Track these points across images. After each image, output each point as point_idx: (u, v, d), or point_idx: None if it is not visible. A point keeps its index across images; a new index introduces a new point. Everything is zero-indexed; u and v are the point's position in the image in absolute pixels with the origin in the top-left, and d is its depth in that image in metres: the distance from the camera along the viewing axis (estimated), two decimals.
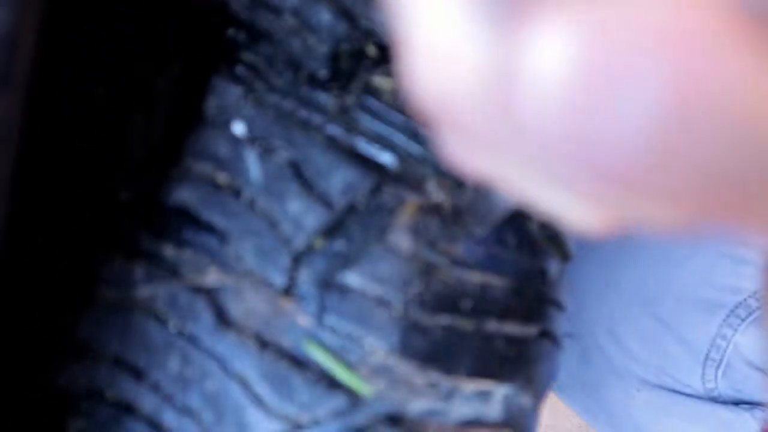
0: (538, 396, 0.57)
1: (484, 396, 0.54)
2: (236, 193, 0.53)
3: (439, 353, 0.52)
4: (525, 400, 0.56)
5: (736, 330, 0.94)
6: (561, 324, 0.59)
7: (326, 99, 0.54)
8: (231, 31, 0.54)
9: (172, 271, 0.53)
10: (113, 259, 0.54)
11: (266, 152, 0.53)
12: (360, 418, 0.52)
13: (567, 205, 0.26)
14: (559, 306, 0.58)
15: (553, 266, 0.58)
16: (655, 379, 0.99)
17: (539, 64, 0.22)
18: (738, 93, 0.19)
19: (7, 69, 0.36)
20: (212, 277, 0.53)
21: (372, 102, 0.53)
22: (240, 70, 0.54)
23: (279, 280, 0.52)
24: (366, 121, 0.53)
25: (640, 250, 1.01)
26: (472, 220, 0.53)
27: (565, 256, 0.59)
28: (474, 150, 0.26)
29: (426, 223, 0.52)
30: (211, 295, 0.53)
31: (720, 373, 0.96)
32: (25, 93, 0.39)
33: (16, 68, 0.36)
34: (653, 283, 0.98)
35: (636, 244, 1.01)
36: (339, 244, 0.52)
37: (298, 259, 0.52)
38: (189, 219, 0.54)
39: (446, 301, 0.52)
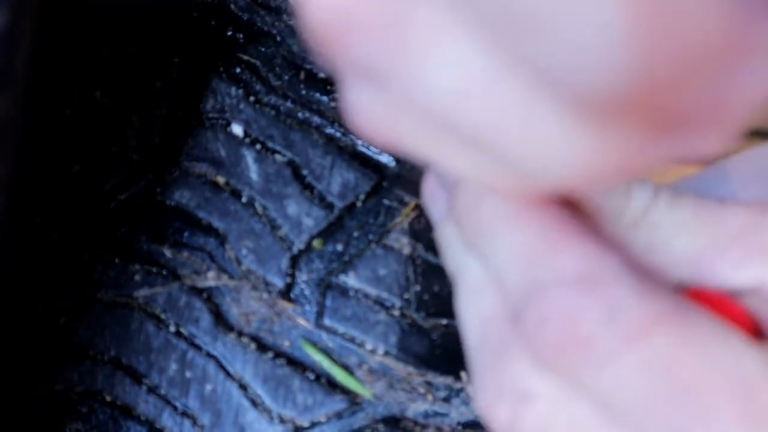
0: None
1: None
2: (235, 194, 0.53)
3: (437, 355, 0.52)
4: None
5: None
6: None
7: (325, 99, 0.54)
8: (230, 31, 0.54)
9: (171, 273, 0.53)
10: (111, 261, 0.54)
11: (265, 153, 0.53)
12: (359, 419, 0.52)
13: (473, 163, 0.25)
14: None
15: None
16: None
17: None
18: None
19: (7, 69, 0.36)
20: (211, 279, 0.53)
21: None
22: (239, 70, 0.54)
23: (278, 281, 0.52)
24: None
25: None
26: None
27: None
28: (373, 98, 0.25)
29: (424, 224, 0.52)
30: (209, 296, 0.53)
31: None
32: (25, 93, 0.39)
33: (16, 68, 0.36)
34: None
35: None
36: (338, 245, 0.52)
37: (297, 261, 0.52)
38: (187, 220, 0.53)
39: (444, 303, 0.52)
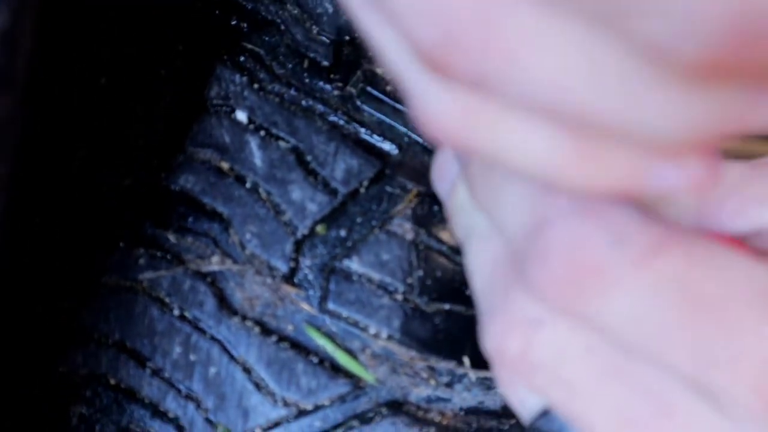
0: None
1: (485, 384, 0.54)
2: (239, 179, 0.53)
3: (440, 340, 0.53)
4: None
5: None
6: None
7: (329, 88, 0.54)
8: (234, 20, 0.54)
9: (175, 257, 0.53)
10: (116, 246, 0.55)
11: (269, 139, 0.53)
12: (362, 404, 0.52)
13: (547, 154, 0.25)
14: None
15: None
16: None
17: None
18: None
19: (7, 69, 0.36)
20: (215, 263, 0.53)
21: (374, 91, 0.53)
22: (243, 58, 0.54)
23: (282, 266, 0.52)
24: (368, 110, 0.53)
25: None
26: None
27: None
28: (457, 96, 0.25)
29: (427, 210, 0.52)
30: (213, 280, 0.53)
31: None
32: (25, 93, 0.39)
33: (16, 68, 0.36)
34: None
35: None
36: (341, 231, 0.52)
37: (300, 246, 0.52)
38: (192, 205, 0.54)
39: (447, 288, 0.52)
